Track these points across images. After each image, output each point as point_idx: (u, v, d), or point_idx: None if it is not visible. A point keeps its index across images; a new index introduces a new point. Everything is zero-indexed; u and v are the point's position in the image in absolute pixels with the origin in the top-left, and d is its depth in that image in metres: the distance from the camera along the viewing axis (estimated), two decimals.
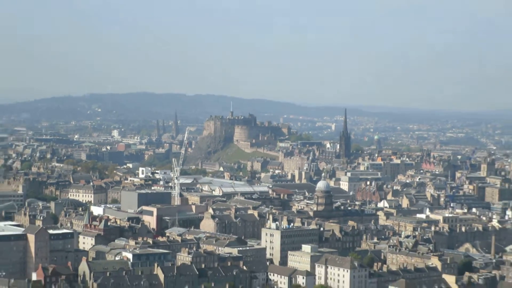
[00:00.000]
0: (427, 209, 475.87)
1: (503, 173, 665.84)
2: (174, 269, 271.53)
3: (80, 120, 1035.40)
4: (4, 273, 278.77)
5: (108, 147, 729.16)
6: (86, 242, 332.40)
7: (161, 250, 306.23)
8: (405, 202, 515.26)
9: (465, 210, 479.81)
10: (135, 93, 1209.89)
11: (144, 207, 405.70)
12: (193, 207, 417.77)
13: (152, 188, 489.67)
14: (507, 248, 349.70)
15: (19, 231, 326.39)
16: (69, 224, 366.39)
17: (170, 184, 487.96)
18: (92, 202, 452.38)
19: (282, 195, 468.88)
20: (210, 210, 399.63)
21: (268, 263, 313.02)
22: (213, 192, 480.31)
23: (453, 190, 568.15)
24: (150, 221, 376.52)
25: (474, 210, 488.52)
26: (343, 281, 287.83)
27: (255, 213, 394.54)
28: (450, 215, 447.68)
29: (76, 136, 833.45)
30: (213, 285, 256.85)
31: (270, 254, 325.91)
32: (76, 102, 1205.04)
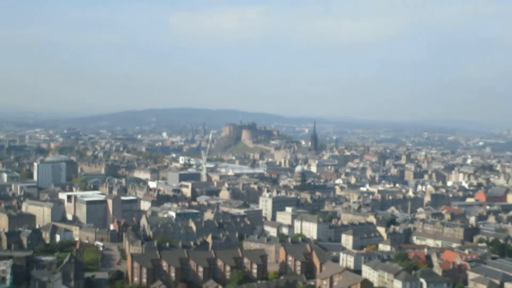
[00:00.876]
0: (367, 184, 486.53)
1: (416, 161, 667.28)
2: (202, 223, 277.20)
3: (142, 125, 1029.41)
4: (92, 224, 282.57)
5: (160, 143, 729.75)
6: (145, 205, 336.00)
7: (193, 210, 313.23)
8: (353, 180, 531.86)
9: (392, 185, 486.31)
10: (178, 108, 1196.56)
11: (183, 182, 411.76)
12: (215, 182, 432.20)
13: (188, 170, 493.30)
14: (418, 210, 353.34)
15: (102, 197, 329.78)
16: (134, 193, 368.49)
17: (200, 167, 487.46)
18: (149, 179, 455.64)
19: (273, 175, 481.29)
20: (226, 185, 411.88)
21: (263, 219, 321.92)
22: (228, 173, 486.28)
23: (384, 172, 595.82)
24: (187, 191, 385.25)
25: (397, 185, 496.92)
26: (313, 231, 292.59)
27: (255, 187, 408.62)
28: (382, 188, 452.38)
29: (139, 136, 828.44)
30: (227, 233, 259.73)
31: (265, 213, 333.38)
32: (139, 113, 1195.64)
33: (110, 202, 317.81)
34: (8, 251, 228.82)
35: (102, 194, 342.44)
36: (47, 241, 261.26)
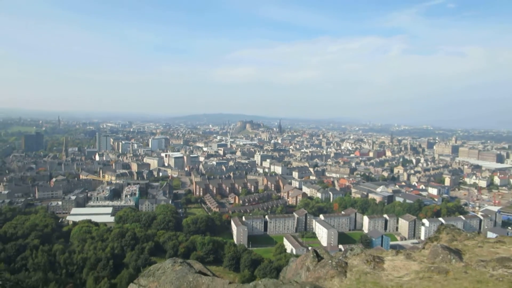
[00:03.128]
0: (304, 148, 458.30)
1: (326, 138, 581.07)
2: (228, 166, 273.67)
3: (200, 121, 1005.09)
4: (177, 168, 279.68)
5: (208, 129, 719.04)
6: (201, 159, 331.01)
7: (223, 161, 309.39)
8: (297, 146, 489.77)
9: (316, 148, 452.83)
10: (217, 113, 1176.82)
11: (219, 148, 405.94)
12: (233, 147, 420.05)
13: (221, 142, 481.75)
14: (328, 160, 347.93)
15: (181, 155, 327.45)
16: (196, 153, 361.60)
17: (226, 141, 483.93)
18: (203, 146, 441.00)
19: (262, 144, 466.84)
20: (239, 149, 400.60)
21: (256, 165, 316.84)
22: (239, 143, 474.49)
23: (312, 142, 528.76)
24: (220, 152, 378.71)
25: (318, 148, 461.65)
26: (279, 170, 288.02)
27: (252, 149, 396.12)
28: (311, 149, 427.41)
29: (198, 126, 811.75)
30: (239, 171, 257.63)
31: (257, 162, 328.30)
32: (199, 116, 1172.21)
33: (185, 157, 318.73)
34: (136, 181, 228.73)
35: (182, 154, 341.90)
36: (156, 176, 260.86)
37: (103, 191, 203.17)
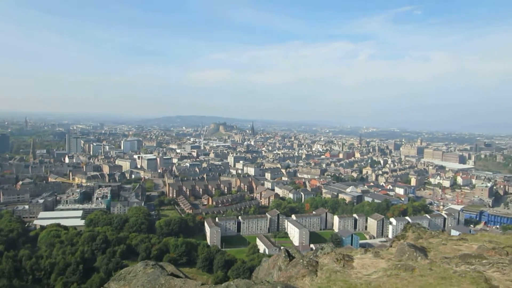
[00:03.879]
0: (277, 149, 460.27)
1: (298, 139, 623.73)
2: (201, 168, 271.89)
3: (173, 123, 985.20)
4: (150, 170, 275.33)
5: (181, 131, 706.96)
6: (175, 160, 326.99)
7: (197, 162, 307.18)
8: (269, 148, 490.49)
9: (288, 150, 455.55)
10: (191, 115, 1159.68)
11: (192, 150, 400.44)
12: (207, 149, 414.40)
13: (195, 144, 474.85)
14: (300, 161, 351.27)
15: (154, 157, 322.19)
16: (170, 155, 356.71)
17: (200, 143, 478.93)
18: (176, 148, 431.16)
19: (235, 146, 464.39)
20: (213, 150, 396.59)
21: (230, 166, 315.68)
22: (213, 145, 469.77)
23: (284, 144, 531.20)
24: (194, 153, 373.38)
25: (290, 150, 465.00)
26: (252, 171, 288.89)
27: (225, 150, 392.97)
28: (283, 151, 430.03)
29: (171, 128, 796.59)
30: (213, 173, 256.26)
31: (230, 164, 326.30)
32: (172, 118, 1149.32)
33: (158, 159, 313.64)
34: (108, 183, 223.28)
35: (155, 155, 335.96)
36: (128, 178, 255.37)
37: (73, 194, 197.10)
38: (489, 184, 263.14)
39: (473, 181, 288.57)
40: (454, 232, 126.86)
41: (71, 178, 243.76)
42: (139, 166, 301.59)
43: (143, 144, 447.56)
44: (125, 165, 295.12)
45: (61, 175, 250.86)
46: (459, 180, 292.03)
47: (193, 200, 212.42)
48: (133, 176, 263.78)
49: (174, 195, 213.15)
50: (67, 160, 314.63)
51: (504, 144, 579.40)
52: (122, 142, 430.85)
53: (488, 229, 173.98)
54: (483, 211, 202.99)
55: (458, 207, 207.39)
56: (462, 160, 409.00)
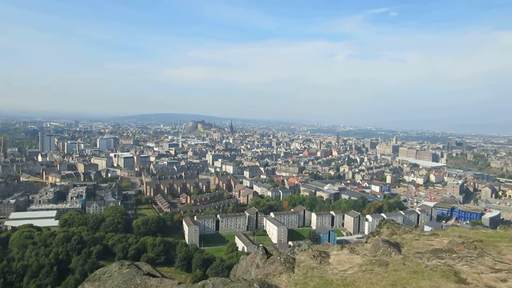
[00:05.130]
0: (255, 148, 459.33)
1: (276, 138, 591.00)
2: (179, 166, 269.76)
3: (150, 121, 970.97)
4: (126, 168, 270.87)
5: (159, 129, 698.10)
6: (152, 159, 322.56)
7: (175, 160, 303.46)
8: (248, 146, 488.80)
9: (266, 148, 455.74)
10: (168, 113, 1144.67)
11: (170, 148, 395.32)
12: (185, 147, 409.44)
13: (173, 142, 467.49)
14: (278, 159, 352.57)
15: (131, 155, 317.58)
16: (147, 153, 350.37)
17: (178, 141, 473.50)
18: (154, 146, 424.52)
19: (213, 144, 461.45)
20: (191, 148, 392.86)
21: (208, 165, 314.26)
22: (191, 143, 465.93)
23: (263, 142, 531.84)
24: (172, 151, 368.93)
25: (269, 148, 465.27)
26: (230, 169, 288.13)
27: (204, 149, 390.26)
28: (262, 149, 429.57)
29: (149, 126, 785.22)
30: (191, 171, 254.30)
31: (209, 162, 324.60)
32: (149, 115, 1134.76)
33: (135, 157, 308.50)
34: (83, 182, 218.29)
35: (132, 154, 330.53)
36: (104, 176, 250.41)
37: (46, 193, 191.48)
38: (460, 182, 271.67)
39: (445, 178, 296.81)
40: (427, 228, 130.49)
41: (44, 177, 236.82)
42: (115, 165, 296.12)
43: (119, 142, 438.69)
44: (101, 163, 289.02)
45: (33, 174, 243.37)
46: (432, 177, 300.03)
47: (171, 198, 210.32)
48: (109, 174, 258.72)
49: (152, 194, 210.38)
50: (40, 158, 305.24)
51: (474, 143, 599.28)
52: (97, 140, 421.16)
53: (458, 224, 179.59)
54: (454, 207, 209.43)
55: (431, 204, 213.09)
56: (435, 158, 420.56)
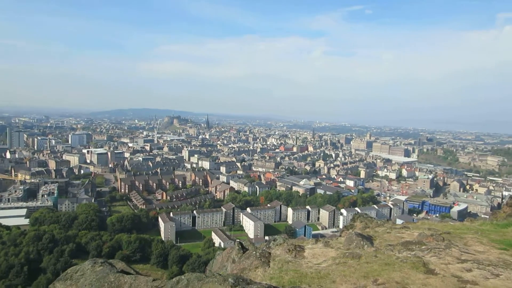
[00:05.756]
0: (232, 143, 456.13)
1: (255, 133, 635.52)
2: (155, 162, 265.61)
3: (125, 116, 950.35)
4: (100, 164, 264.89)
5: (134, 125, 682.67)
6: (127, 155, 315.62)
7: (150, 156, 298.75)
8: (225, 141, 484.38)
9: (243, 144, 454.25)
10: (141, 108, 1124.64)
11: (145, 144, 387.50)
12: (161, 143, 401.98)
13: (148, 137, 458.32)
14: (255, 154, 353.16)
15: (105, 151, 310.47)
16: (121, 149, 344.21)
17: (153, 136, 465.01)
18: (129, 142, 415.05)
19: (190, 140, 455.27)
20: (166, 144, 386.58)
21: (184, 160, 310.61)
22: (167, 139, 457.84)
23: (239, 138, 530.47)
24: (147, 147, 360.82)
25: (246, 144, 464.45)
26: (207, 165, 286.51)
27: (180, 144, 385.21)
28: (238, 145, 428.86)
29: (123, 121, 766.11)
30: (167, 167, 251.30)
31: (185, 158, 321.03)
32: (124, 110, 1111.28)
33: (109, 153, 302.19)
34: (55, 179, 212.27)
35: (105, 150, 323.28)
36: (77, 173, 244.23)
37: (15, 191, 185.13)
38: (430, 176, 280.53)
39: (417, 173, 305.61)
40: (399, 221, 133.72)
41: (13, 175, 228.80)
42: (88, 161, 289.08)
43: (92, 138, 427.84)
44: (73, 160, 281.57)
45: (1, 171, 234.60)
46: (404, 172, 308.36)
47: (147, 195, 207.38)
48: (82, 171, 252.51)
49: (127, 191, 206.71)
50: (8, 155, 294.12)
51: (444, 139, 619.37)
52: (69, 135, 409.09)
53: (428, 217, 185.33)
54: (425, 201, 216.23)
55: (403, 198, 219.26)
56: (407, 153, 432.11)
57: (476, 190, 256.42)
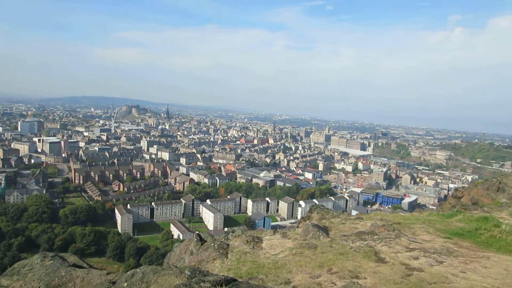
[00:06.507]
0: (192, 134, 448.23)
1: (214, 125, 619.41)
2: (112, 153, 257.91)
3: (79, 104, 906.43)
4: (53, 154, 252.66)
5: (89, 113, 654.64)
6: (82, 144, 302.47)
7: (107, 146, 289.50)
8: (185, 132, 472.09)
9: (203, 135, 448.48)
10: (97, 96, 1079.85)
11: (102, 133, 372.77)
12: (118, 132, 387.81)
13: (105, 127, 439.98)
14: (215, 146, 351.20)
15: (58, 140, 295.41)
16: (76, 138, 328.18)
17: (110, 126, 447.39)
18: (84, 131, 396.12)
19: (149, 130, 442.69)
20: (124, 134, 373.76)
21: (143, 151, 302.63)
22: (125, 128, 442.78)
23: (200, 129, 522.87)
24: (104, 137, 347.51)
25: (206, 135, 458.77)
26: (167, 156, 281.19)
27: (138, 134, 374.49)
28: (199, 136, 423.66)
29: (78, 109, 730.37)
30: (125, 157, 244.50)
31: (144, 148, 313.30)
32: (79, 98, 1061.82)
33: (62, 142, 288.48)
34: (2, 169, 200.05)
35: (58, 138, 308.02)
36: (27, 163, 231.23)
37: None
38: (384, 169, 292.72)
39: (372, 166, 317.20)
40: (354, 212, 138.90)
41: None
42: (39, 150, 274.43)
43: (44, 126, 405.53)
44: (23, 148, 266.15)
45: None
46: (360, 165, 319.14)
47: (103, 186, 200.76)
48: (32, 161, 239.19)
49: (81, 181, 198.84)
50: None
51: (398, 134, 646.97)
52: (19, 123, 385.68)
53: (381, 209, 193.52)
54: (379, 193, 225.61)
55: (358, 190, 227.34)
56: (363, 147, 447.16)
57: (425, 182, 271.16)
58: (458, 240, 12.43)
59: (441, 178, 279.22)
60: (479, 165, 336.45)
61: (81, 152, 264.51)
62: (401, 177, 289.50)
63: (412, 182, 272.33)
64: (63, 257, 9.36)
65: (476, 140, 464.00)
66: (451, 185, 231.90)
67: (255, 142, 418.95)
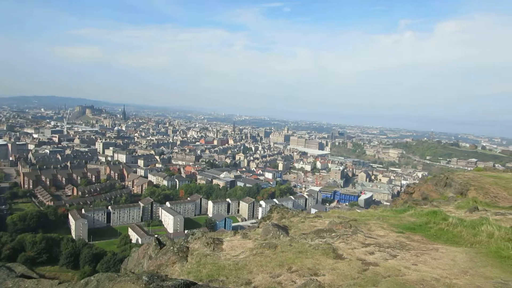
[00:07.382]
0: (150, 136, 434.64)
1: (173, 126, 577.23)
2: (64, 155, 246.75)
3: (29, 104, 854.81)
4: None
5: (39, 114, 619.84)
6: (31, 147, 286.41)
7: (59, 149, 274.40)
8: (143, 134, 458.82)
9: (162, 136, 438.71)
10: (48, 96, 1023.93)
11: (53, 135, 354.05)
12: (71, 134, 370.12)
13: (56, 128, 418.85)
14: (175, 147, 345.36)
15: (4, 143, 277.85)
16: (25, 141, 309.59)
17: (63, 127, 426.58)
18: (34, 132, 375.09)
19: (104, 131, 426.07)
20: (78, 135, 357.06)
21: (98, 153, 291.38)
22: (78, 130, 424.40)
23: (158, 130, 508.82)
24: (56, 139, 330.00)
25: (165, 136, 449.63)
26: (123, 159, 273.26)
27: (93, 136, 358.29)
28: (157, 137, 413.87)
29: (27, 110, 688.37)
30: (78, 160, 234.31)
31: (99, 150, 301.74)
32: (29, 97, 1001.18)
33: (10, 145, 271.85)
34: None
35: (5, 141, 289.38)
36: None
37: None
38: (341, 168, 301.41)
39: (329, 165, 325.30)
40: (313, 211, 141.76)
41: None
42: None
43: None
44: None
45: None
46: (318, 164, 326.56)
47: (55, 191, 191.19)
48: None
49: (31, 186, 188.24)
50: None
51: (353, 133, 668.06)
52: None
53: (339, 206, 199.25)
54: (336, 191, 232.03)
55: (317, 188, 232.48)
56: (321, 147, 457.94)
57: (380, 180, 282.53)
58: (410, 234, 13.02)
59: (394, 175, 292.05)
60: (428, 162, 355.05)
61: (30, 155, 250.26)
62: (357, 175, 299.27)
63: (367, 179, 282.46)
64: (10, 267, 8.78)
65: (425, 139, 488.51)
66: (403, 182, 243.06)
67: (215, 143, 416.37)
